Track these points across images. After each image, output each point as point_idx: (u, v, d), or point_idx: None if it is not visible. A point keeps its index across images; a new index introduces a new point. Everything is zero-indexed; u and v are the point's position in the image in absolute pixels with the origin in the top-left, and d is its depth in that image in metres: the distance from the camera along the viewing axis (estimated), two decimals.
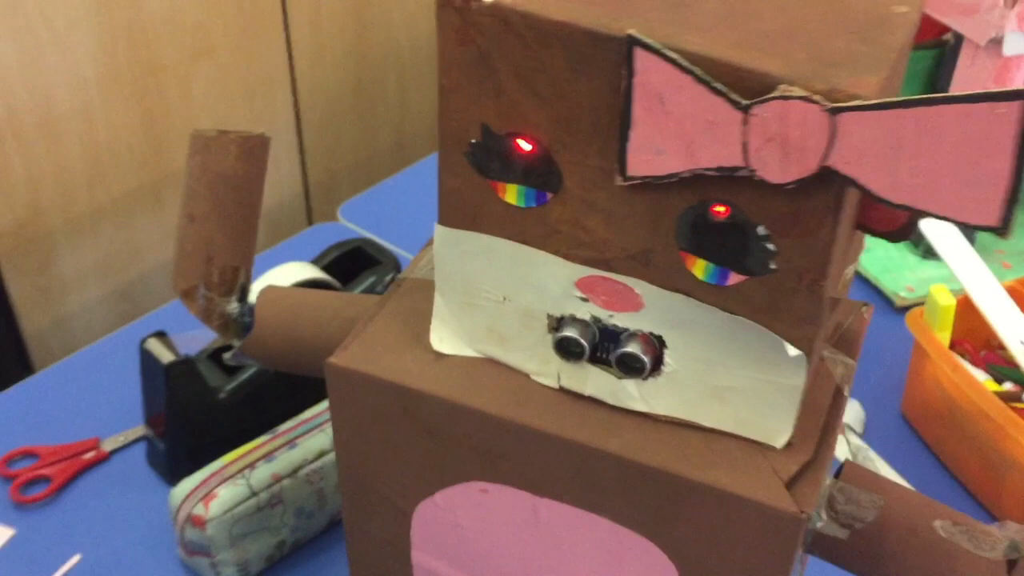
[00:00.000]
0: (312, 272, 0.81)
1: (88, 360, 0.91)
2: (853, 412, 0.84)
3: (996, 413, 0.72)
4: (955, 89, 0.93)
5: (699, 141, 0.38)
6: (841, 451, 0.82)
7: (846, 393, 0.49)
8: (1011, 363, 0.79)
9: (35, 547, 0.74)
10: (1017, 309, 0.79)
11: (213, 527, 0.67)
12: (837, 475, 0.51)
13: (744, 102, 0.37)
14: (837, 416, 0.48)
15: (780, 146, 0.37)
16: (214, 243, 0.59)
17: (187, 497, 0.69)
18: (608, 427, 0.47)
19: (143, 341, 0.75)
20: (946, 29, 1.11)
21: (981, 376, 0.78)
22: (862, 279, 0.99)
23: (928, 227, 0.85)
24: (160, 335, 0.75)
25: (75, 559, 0.73)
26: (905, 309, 0.92)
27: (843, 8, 0.41)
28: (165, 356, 0.73)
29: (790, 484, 0.44)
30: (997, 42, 0.87)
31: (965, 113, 0.33)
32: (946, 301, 0.78)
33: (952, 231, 0.86)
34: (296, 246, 1.03)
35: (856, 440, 0.81)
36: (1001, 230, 0.35)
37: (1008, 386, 0.76)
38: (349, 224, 1.10)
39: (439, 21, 0.41)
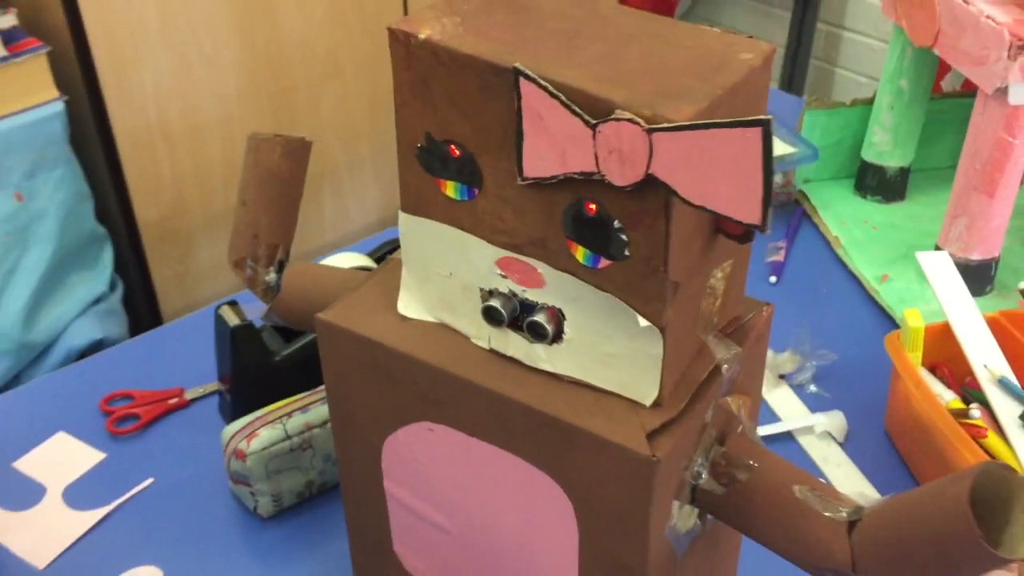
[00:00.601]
0: (363, 261, 0.96)
1: (185, 326, 1.08)
2: (836, 422, 0.92)
3: (945, 426, 0.78)
4: (971, 136, 0.99)
5: (568, 151, 0.50)
6: (815, 448, 0.90)
7: (724, 372, 0.58)
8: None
9: (119, 469, 0.90)
10: (991, 337, 0.85)
11: (252, 460, 0.82)
12: (723, 444, 0.60)
13: (593, 121, 0.48)
14: (712, 387, 0.58)
15: (619, 157, 0.48)
16: (260, 224, 0.74)
17: (235, 434, 0.83)
18: (521, 382, 0.58)
19: (218, 307, 0.90)
20: None
21: (950, 396, 0.84)
22: (878, 307, 1.06)
23: (924, 260, 0.92)
24: (232, 303, 0.90)
25: (148, 481, 0.89)
26: None
27: (699, 55, 0.51)
28: (233, 320, 0.89)
29: (651, 435, 0.54)
30: (1003, 92, 0.93)
31: (728, 136, 0.43)
32: (916, 323, 0.84)
33: (948, 265, 0.92)
34: (370, 245, 1.18)
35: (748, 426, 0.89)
36: (761, 228, 0.45)
37: (966, 408, 0.83)
38: None
39: (391, 51, 0.54)
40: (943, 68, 1.21)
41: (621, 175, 0.48)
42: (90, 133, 1.57)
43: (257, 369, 0.90)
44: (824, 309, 1.07)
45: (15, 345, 1.50)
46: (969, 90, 1.22)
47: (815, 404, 0.95)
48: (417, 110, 0.55)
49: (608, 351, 0.56)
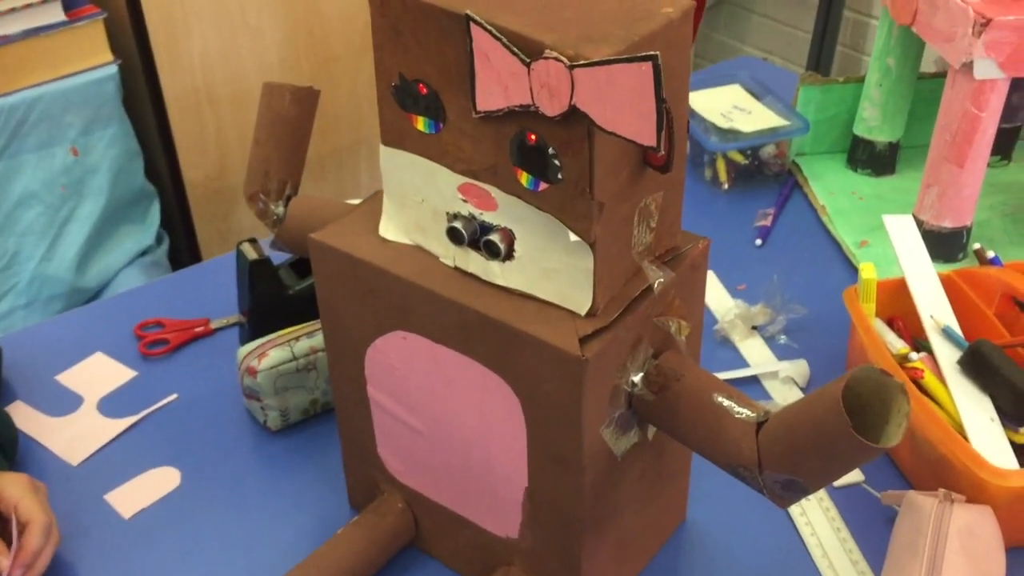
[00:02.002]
0: None
1: (214, 265, 1.19)
2: (799, 369, 0.99)
3: (888, 367, 0.85)
4: (942, 110, 1.06)
5: (509, 87, 0.58)
6: (778, 391, 0.97)
7: (655, 291, 0.67)
8: None
9: (148, 386, 1.01)
10: (942, 292, 0.92)
11: (262, 376, 0.92)
12: (658, 358, 0.69)
13: (527, 60, 0.57)
14: (643, 304, 0.66)
15: (548, 91, 0.56)
16: (270, 161, 0.84)
17: (248, 354, 0.93)
18: (478, 294, 0.67)
19: (239, 244, 1.00)
20: None
21: (900, 345, 0.91)
22: (855, 270, 1.12)
23: (890, 223, 0.99)
24: (252, 240, 1.00)
25: (172, 396, 0.99)
26: None
27: (627, 7, 0.60)
28: (252, 255, 0.99)
29: (584, 339, 0.63)
30: (969, 67, 0.99)
31: (627, 69, 0.52)
32: (869, 275, 0.91)
33: (911, 228, 0.99)
34: None
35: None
36: (655, 148, 0.53)
37: (916, 355, 0.89)
38: None
39: (369, 1, 0.63)
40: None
41: (551, 106, 0.57)
42: (142, 95, 1.69)
43: (272, 301, 1.00)
44: (803, 270, 1.14)
45: (68, 288, 1.63)
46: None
47: (783, 353, 1.02)
48: (391, 53, 0.64)
49: (550, 266, 0.64)
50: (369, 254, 0.71)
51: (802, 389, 0.99)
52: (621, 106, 0.54)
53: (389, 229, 0.72)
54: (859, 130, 1.27)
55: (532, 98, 0.58)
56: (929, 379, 0.86)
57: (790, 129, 1.24)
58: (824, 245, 1.19)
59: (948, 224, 1.10)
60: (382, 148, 0.69)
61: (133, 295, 1.16)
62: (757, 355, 1.02)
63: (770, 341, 1.04)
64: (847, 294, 0.94)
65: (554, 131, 0.59)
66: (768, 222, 1.20)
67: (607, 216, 0.61)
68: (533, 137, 0.60)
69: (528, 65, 0.57)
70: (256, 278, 0.99)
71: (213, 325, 1.08)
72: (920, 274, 0.94)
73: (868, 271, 0.92)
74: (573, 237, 0.61)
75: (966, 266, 0.99)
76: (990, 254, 0.95)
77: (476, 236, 0.67)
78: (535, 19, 0.58)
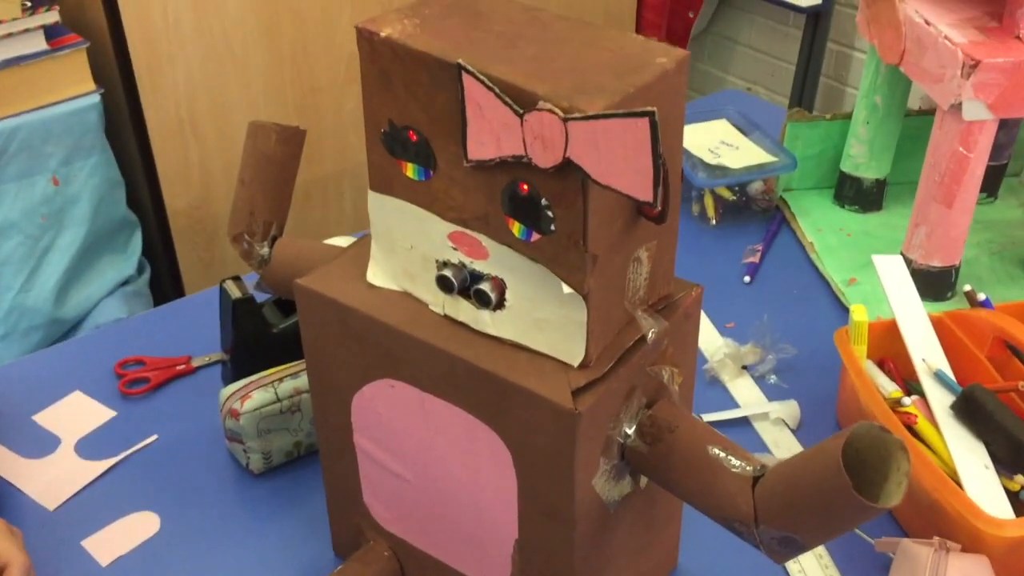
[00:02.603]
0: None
1: (197, 300, 1.17)
2: (790, 410, 0.98)
3: (880, 413, 0.84)
4: (930, 150, 1.05)
5: (502, 137, 0.57)
6: (768, 434, 0.96)
7: (648, 341, 0.66)
8: None
9: (127, 427, 0.99)
10: (933, 334, 0.91)
11: (244, 419, 0.90)
12: (651, 408, 0.67)
13: (520, 111, 0.56)
14: (636, 354, 0.65)
15: (541, 142, 0.55)
16: (256, 202, 0.82)
17: (231, 395, 0.92)
18: (469, 343, 0.66)
19: (222, 281, 0.99)
20: None
21: (892, 388, 0.90)
22: (844, 309, 1.12)
23: (879, 262, 0.98)
24: (236, 278, 0.99)
25: (153, 438, 0.97)
26: None
27: (620, 57, 0.59)
28: (235, 294, 0.97)
29: (576, 392, 0.62)
30: (958, 107, 0.99)
31: (623, 124, 0.51)
32: (861, 318, 0.91)
33: (901, 268, 0.98)
34: None
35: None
36: (652, 205, 0.52)
37: (910, 399, 0.89)
38: None
39: (359, 47, 0.62)
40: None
41: (544, 158, 0.56)
42: (124, 124, 1.67)
43: (255, 340, 0.99)
44: (792, 308, 1.14)
45: (46, 320, 1.60)
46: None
47: (773, 393, 1.01)
48: (381, 99, 0.63)
49: (542, 317, 0.63)
50: (357, 300, 0.69)
51: (792, 431, 0.98)
52: (616, 160, 0.53)
53: (377, 275, 0.71)
54: (846, 167, 1.26)
55: (525, 149, 0.57)
56: (922, 424, 0.85)
57: (778, 165, 1.24)
58: (812, 282, 1.18)
59: (937, 263, 1.09)
60: (370, 194, 0.68)
61: (113, 331, 1.14)
62: (747, 395, 1.01)
63: (760, 381, 1.03)
64: (838, 336, 0.93)
65: (547, 182, 0.58)
66: (756, 259, 1.20)
67: (600, 268, 0.60)
68: (525, 187, 0.59)
69: (521, 116, 0.56)
70: (240, 317, 0.98)
71: (195, 363, 1.06)
72: (911, 316, 0.93)
73: (859, 313, 0.91)
74: (567, 289, 0.60)
75: (957, 307, 0.99)
76: (981, 296, 0.95)
77: (466, 284, 0.66)
78: (528, 69, 0.57)
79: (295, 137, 0.83)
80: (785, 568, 0.84)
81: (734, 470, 0.63)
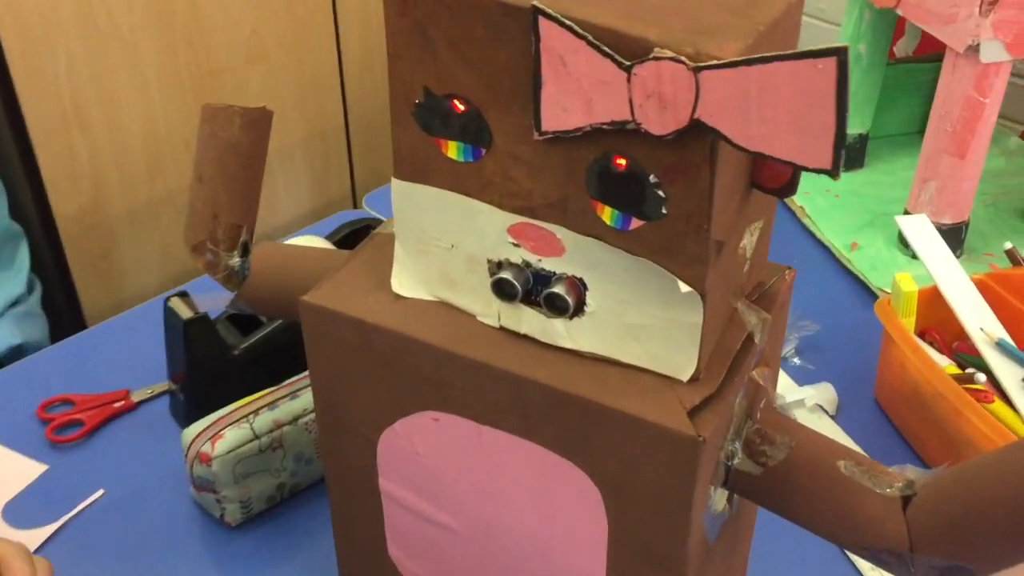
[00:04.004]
0: (320, 244, 0.89)
1: (128, 321, 1.00)
2: (826, 394, 0.89)
3: (950, 393, 0.76)
4: (940, 98, 0.97)
5: (595, 98, 0.45)
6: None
7: (757, 341, 0.54)
8: (978, 352, 0.82)
9: (64, 481, 0.82)
10: (981, 299, 0.83)
11: (218, 464, 0.75)
12: (753, 419, 0.56)
13: (626, 63, 0.43)
14: (746, 359, 0.53)
15: (658, 102, 0.43)
16: (219, 202, 0.67)
17: (197, 436, 0.76)
18: (539, 361, 0.53)
19: (167, 300, 0.83)
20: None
21: (944, 362, 0.82)
22: (851, 275, 1.03)
23: (906, 224, 0.90)
24: (183, 295, 0.83)
25: (99, 493, 0.81)
26: None
27: None
28: (185, 313, 0.82)
29: (692, 412, 0.50)
30: (975, 49, 0.91)
31: (794, 69, 0.39)
32: (909, 288, 0.82)
33: (929, 228, 0.90)
34: (322, 227, 1.11)
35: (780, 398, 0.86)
36: (832, 173, 0.40)
37: (970, 371, 0.80)
38: (371, 211, 1.18)
39: None
40: (896, 33, 1.19)
41: (660, 122, 0.43)
42: (0, 123, 1.46)
43: (214, 364, 0.83)
44: (797, 280, 1.04)
45: None
46: (923, 55, 1.20)
47: (801, 377, 0.92)
48: (414, 61, 0.49)
49: (638, 322, 0.51)
50: (385, 317, 0.56)
51: (832, 417, 0.88)
52: (771, 117, 0.41)
53: (404, 283, 0.57)
54: None
55: (632, 113, 0.44)
56: (997, 403, 0.77)
57: None
58: (809, 249, 1.10)
59: (948, 220, 1.02)
60: (395, 183, 0.54)
61: (26, 368, 0.96)
62: None
63: (783, 363, 0.93)
64: (880, 308, 0.84)
65: (656, 153, 0.45)
66: None
67: (722, 256, 0.48)
68: (623, 162, 0.46)
69: (628, 70, 0.43)
70: (193, 339, 0.82)
71: (135, 397, 0.90)
72: (953, 282, 0.85)
73: (907, 282, 0.82)
74: (684, 287, 0.48)
75: (967, 266, 0.90)
76: None
77: (529, 288, 0.53)
78: (622, 9, 0.45)
79: (262, 120, 0.68)
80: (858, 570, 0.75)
81: (876, 489, 0.53)
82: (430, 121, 0.51)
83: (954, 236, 1.03)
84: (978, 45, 0.91)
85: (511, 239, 0.52)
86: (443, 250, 0.55)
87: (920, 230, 0.89)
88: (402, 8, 0.48)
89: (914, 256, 1.04)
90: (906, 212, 1.04)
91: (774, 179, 0.48)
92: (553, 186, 0.49)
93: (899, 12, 1.00)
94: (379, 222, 0.96)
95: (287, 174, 1.77)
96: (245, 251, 0.68)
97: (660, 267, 0.48)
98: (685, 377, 0.51)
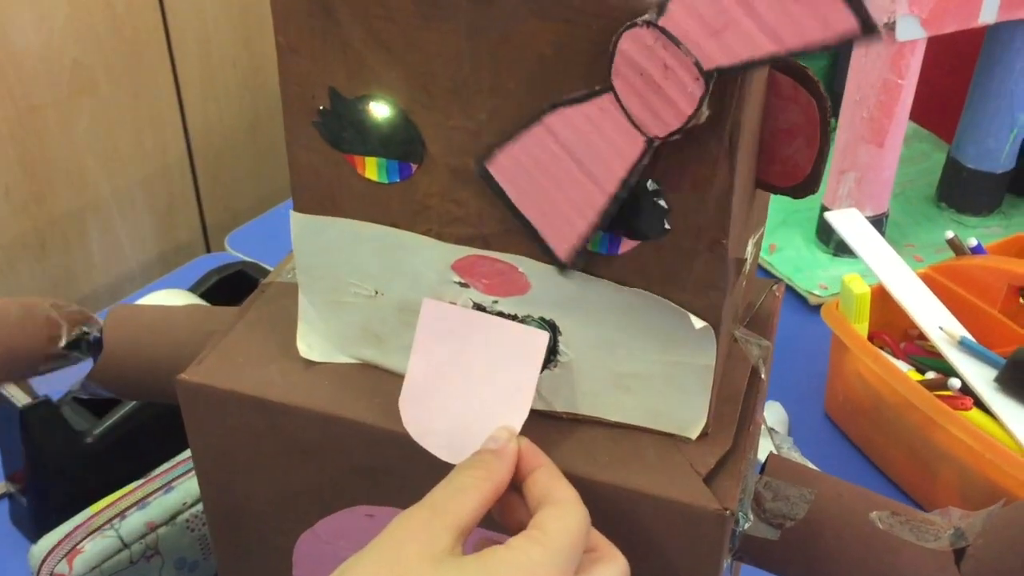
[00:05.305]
0: (187, 299, 0.75)
1: None
2: (776, 414, 0.80)
3: (922, 402, 0.68)
4: (852, 83, 0.91)
5: None
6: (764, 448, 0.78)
7: (763, 376, 0.44)
8: (931, 353, 0.75)
9: None
10: (933, 296, 0.76)
11: None
12: (761, 471, 0.46)
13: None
14: (756, 401, 0.43)
15: (664, 84, 0.32)
16: None
17: (49, 554, 0.61)
18: None
19: None
20: None
21: (903, 367, 0.74)
22: (771, 278, 0.96)
23: (837, 221, 0.82)
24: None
25: None
26: (820, 308, 0.88)
27: None
28: (21, 399, 0.66)
29: (709, 479, 0.39)
30: (890, 28, 0.85)
31: None
32: (860, 289, 0.74)
33: (862, 223, 0.83)
34: (180, 277, 0.96)
35: (778, 434, 0.77)
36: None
37: (931, 375, 0.73)
38: (237, 253, 1.03)
39: None
40: None
41: (673, 112, 0.33)
42: None
43: (63, 458, 0.68)
44: None
45: None
46: None
47: None
48: (315, 55, 0.37)
49: (626, 370, 0.40)
50: (294, 392, 0.43)
51: (788, 437, 0.79)
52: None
53: (314, 346, 0.45)
54: None
55: (620, 103, 0.33)
56: (974, 410, 0.69)
57: None
58: None
59: (868, 212, 0.95)
60: (295, 217, 0.42)
61: None
62: None
63: None
64: (828, 313, 0.76)
65: (656, 151, 0.34)
66: None
67: (737, 279, 0.38)
68: None
69: (614, 48, 0.32)
70: (34, 429, 0.66)
71: None
72: (899, 279, 0.77)
73: (857, 284, 0.74)
74: (697, 322, 0.37)
75: (946, 260, 0.83)
76: (972, 242, 0.81)
77: None
78: None
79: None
80: None
81: (922, 543, 0.43)
82: (339, 133, 0.39)
83: (876, 229, 0.97)
84: (894, 23, 0.84)
85: (457, 278, 0.40)
86: (365, 299, 0.43)
87: (853, 226, 0.82)
88: None
89: (835, 253, 0.98)
90: (824, 208, 0.97)
91: (790, 176, 0.38)
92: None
93: None
94: (254, 266, 0.82)
95: (128, 218, 1.59)
96: (86, 324, 0.54)
97: (661, 298, 0.37)
98: (694, 435, 0.40)
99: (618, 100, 0.33)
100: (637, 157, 0.33)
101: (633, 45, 0.32)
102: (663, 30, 0.31)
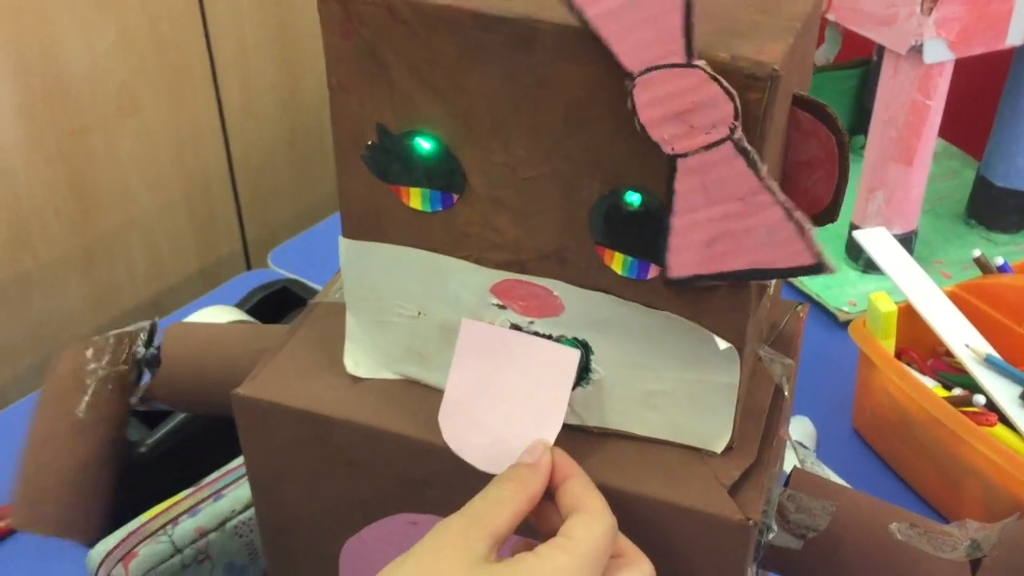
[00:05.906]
0: (234, 315, 0.78)
1: (3, 424, 0.87)
2: (804, 429, 0.82)
3: (948, 418, 0.69)
4: (881, 103, 0.92)
5: None
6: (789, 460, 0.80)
7: (787, 393, 0.46)
8: (958, 369, 0.77)
9: None
10: (960, 314, 0.78)
11: None
12: (786, 484, 0.48)
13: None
14: (779, 417, 0.46)
15: (701, 116, 0.35)
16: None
17: (105, 558, 0.64)
18: None
19: None
20: (870, 49, 1.12)
21: (930, 383, 0.76)
22: (802, 295, 0.97)
23: (865, 239, 0.84)
24: None
25: None
26: (848, 324, 0.90)
27: None
28: None
29: (733, 490, 0.42)
30: (918, 50, 0.86)
31: None
32: (887, 308, 0.76)
33: (891, 242, 0.84)
34: (227, 293, 0.99)
35: (802, 449, 0.79)
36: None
37: (957, 392, 0.74)
38: (280, 270, 1.07)
39: (321, 16, 0.39)
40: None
41: (698, 137, 0.35)
42: None
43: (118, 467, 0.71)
44: None
45: None
46: (844, 61, 1.17)
47: None
48: (364, 94, 0.40)
49: (653, 388, 0.42)
50: (342, 406, 0.46)
51: (816, 452, 0.81)
52: None
53: (360, 363, 0.47)
54: None
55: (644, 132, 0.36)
56: (999, 426, 0.71)
57: None
58: None
59: (898, 230, 0.97)
60: (344, 243, 0.45)
61: None
62: None
63: None
64: (856, 330, 0.77)
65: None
66: None
67: (761, 301, 0.40)
68: (636, 198, 0.38)
69: (631, 81, 0.35)
70: None
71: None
72: (927, 297, 0.79)
73: (884, 302, 0.76)
74: (721, 343, 0.39)
75: (973, 278, 0.85)
76: (998, 260, 0.82)
77: None
78: None
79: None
80: None
81: (939, 553, 0.45)
82: (387, 165, 0.41)
83: (904, 247, 0.98)
84: (921, 45, 0.86)
85: (495, 300, 0.43)
86: (409, 319, 0.45)
87: (882, 244, 0.84)
88: (345, 28, 0.39)
89: (864, 270, 1.00)
90: (853, 226, 0.99)
91: (810, 205, 0.40)
92: (547, 234, 0.40)
93: (831, 17, 0.95)
94: (296, 283, 0.85)
95: (170, 234, 1.63)
96: (150, 338, 0.57)
97: (687, 321, 0.40)
98: (719, 448, 0.43)
99: None
100: None
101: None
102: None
